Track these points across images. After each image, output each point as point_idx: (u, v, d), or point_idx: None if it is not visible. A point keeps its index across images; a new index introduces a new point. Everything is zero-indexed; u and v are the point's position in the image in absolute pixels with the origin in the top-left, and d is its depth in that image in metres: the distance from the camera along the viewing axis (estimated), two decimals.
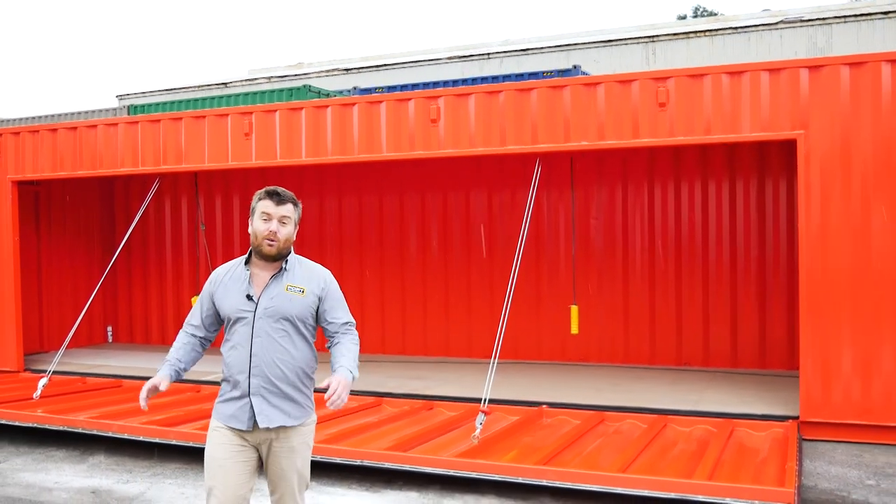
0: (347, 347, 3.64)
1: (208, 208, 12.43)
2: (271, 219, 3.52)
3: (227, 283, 3.65)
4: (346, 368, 3.51)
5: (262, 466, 3.65)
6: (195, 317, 3.78)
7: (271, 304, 3.54)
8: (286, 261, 3.61)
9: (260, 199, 3.61)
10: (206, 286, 3.75)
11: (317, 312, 3.66)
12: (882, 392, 6.96)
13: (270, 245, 3.52)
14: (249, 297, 3.55)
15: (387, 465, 6.05)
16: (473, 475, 5.78)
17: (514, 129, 8.07)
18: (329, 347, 3.68)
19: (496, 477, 5.72)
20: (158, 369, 3.67)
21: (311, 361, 3.66)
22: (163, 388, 3.59)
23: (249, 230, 3.60)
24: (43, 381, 8.52)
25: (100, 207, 12.76)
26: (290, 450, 3.59)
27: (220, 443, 3.56)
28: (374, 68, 25.55)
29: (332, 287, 3.70)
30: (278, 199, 3.57)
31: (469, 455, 6.03)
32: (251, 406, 3.50)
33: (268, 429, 3.53)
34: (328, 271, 3.76)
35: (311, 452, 3.74)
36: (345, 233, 11.85)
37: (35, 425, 7.48)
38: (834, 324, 7.06)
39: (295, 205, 3.63)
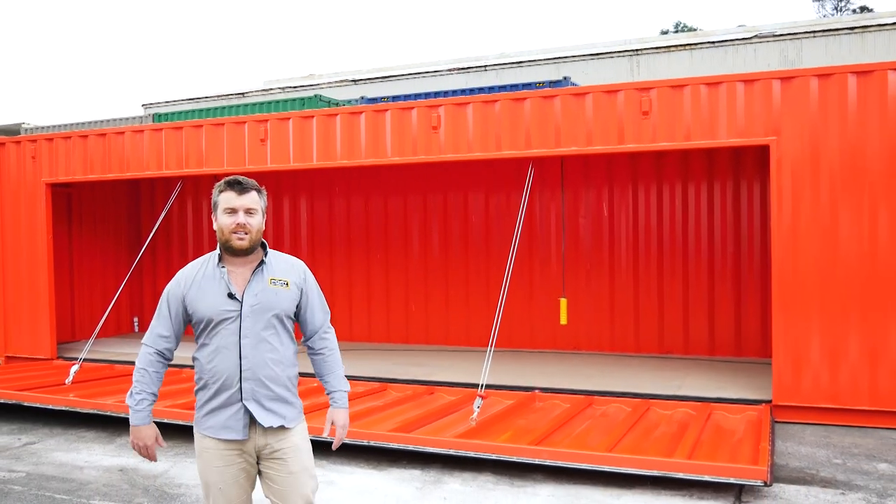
0: (334, 362, 3.32)
1: None
2: (236, 211, 3.04)
3: (201, 282, 3.09)
4: (342, 395, 3.29)
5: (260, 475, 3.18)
6: (163, 326, 3.15)
7: (257, 301, 3.06)
8: (265, 253, 3.14)
9: (221, 191, 3.10)
10: (173, 289, 3.16)
11: (297, 306, 3.23)
12: (848, 378, 6.96)
13: (241, 239, 3.04)
14: (232, 296, 3.04)
15: (392, 445, 6.05)
16: (472, 454, 5.78)
17: (509, 136, 8.06)
18: (311, 353, 3.35)
19: (493, 456, 5.72)
20: (134, 405, 3.11)
21: (295, 358, 3.24)
22: (160, 442, 3.18)
23: (214, 226, 3.11)
24: (74, 368, 8.52)
25: (127, 208, 12.75)
26: (295, 448, 3.13)
27: (213, 465, 3.08)
28: (381, 79, 25.52)
29: (310, 279, 3.29)
30: (240, 188, 3.07)
31: (467, 436, 6.03)
32: (245, 412, 3.04)
33: (265, 431, 3.09)
34: (303, 262, 3.32)
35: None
36: (353, 231, 11.84)
37: (67, 408, 7.48)
38: (803, 315, 7.06)
39: (259, 192, 3.13)
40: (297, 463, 3.13)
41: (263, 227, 3.14)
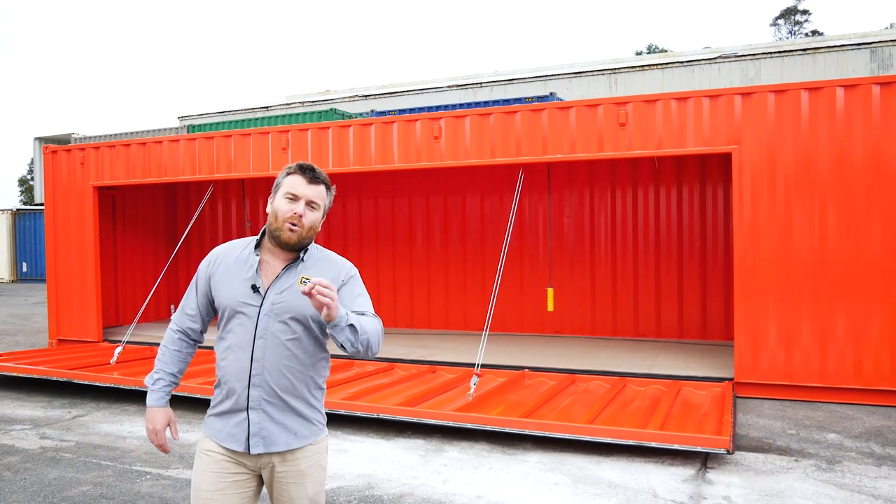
0: (362, 314, 2.37)
1: (253, 209, 12.39)
2: (298, 199, 2.35)
3: (231, 265, 2.43)
4: (349, 315, 2.23)
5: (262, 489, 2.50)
6: (190, 304, 2.54)
7: (280, 300, 2.34)
8: (305, 250, 2.42)
9: (289, 173, 2.41)
10: (203, 266, 2.51)
11: None
12: (801, 358, 6.94)
13: (292, 231, 2.34)
14: (255, 289, 2.35)
15: (398, 418, 6.03)
16: (469, 426, 5.76)
17: (502, 145, 8.03)
18: None
19: (487, 427, 5.70)
20: (150, 385, 2.52)
21: (324, 370, 2.48)
22: (172, 431, 2.57)
23: (268, 209, 2.42)
24: (118, 350, 8.50)
25: (164, 208, 12.72)
26: (300, 474, 2.39)
27: (209, 470, 2.39)
28: (389, 94, 25.42)
29: (354, 280, 2.47)
30: (311, 176, 2.39)
31: (465, 410, 6.02)
32: (249, 423, 2.35)
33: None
34: (352, 264, 2.52)
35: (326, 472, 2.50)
36: (364, 229, 11.82)
37: (112, 385, 7.47)
38: (762, 303, 7.04)
39: (328, 188, 2.46)
40: (300, 490, 2.40)
41: (319, 228, 2.43)
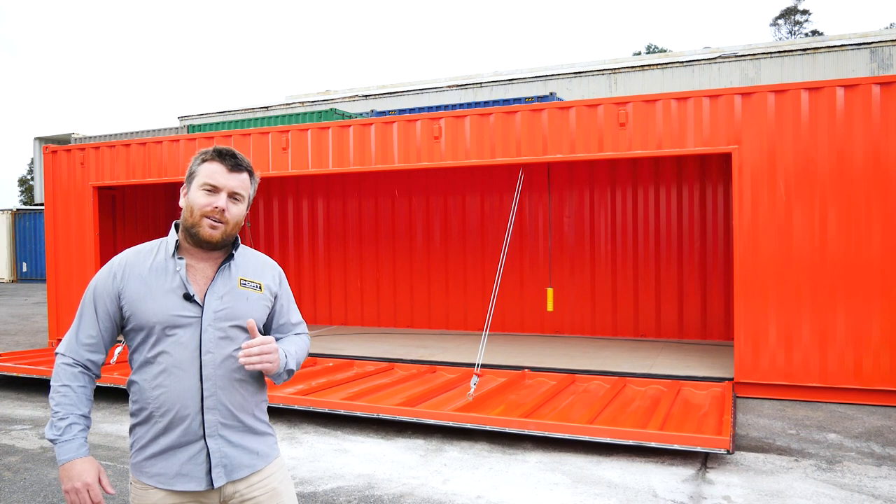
0: (294, 340, 2.21)
1: (252, 209, 12.39)
2: (218, 191, 2.01)
3: (147, 276, 2.03)
4: (281, 348, 2.08)
5: None
6: (87, 332, 2.06)
7: (223, 306, 2.02)
8: (234, 246, 2.10)
9: (205, 159, 2.05)
10: (103, 282, 2.06)
11: (268, 316, 2.19)
12: (801, 358, 6.94)
13: (213, 227, 2.00)
14: (189, 298, 2.00)
15: (398, 417, 6.03)
16: (468, 426, 5.76)
17: (502, 144, 8.03)
18: None
19: (487, 427, 5.70)
20: (58, 435, 1.97)
21: (263, 378, 2.16)
22: (104, 484, 1.99)
23: (181, 202, 2.07)
24: (118, 350, 8.47)
25: (164, 208, 12.72)
26: (273, 493, 2.11)
27: None
28: (389, 95, 25.43)
29: (285, 282, 2.25)
30: (234, 163, 2.03)
31: (465, 410, 6.01)
32: (208, 454, 1.99)
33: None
34: (275, 261, 2.26)
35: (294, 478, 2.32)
36: (364, 229, 11.82)
37: (111, 385, 7.46)
38: (762, 303, 7.04)
39: (252, 176, 2.11)
40: None
41: (243, 222, 2.10)
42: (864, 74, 18.23)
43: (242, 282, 2.06)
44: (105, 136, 22.51)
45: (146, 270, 2.04)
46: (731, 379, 7.14)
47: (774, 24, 47.95)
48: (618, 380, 7.25)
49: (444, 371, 8.00)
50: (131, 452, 2.06)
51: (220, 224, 2.01)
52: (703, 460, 5.20)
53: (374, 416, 6.09)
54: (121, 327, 2.08)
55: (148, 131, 21.99)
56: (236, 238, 2.11)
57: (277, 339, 2.18)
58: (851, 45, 18.62)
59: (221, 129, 15.90)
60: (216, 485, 2.00)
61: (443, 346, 9.56)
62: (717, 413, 5.96)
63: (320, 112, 17.54)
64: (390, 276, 11.62)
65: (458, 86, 24.12)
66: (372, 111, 19.46)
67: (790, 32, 46.54)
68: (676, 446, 5.13)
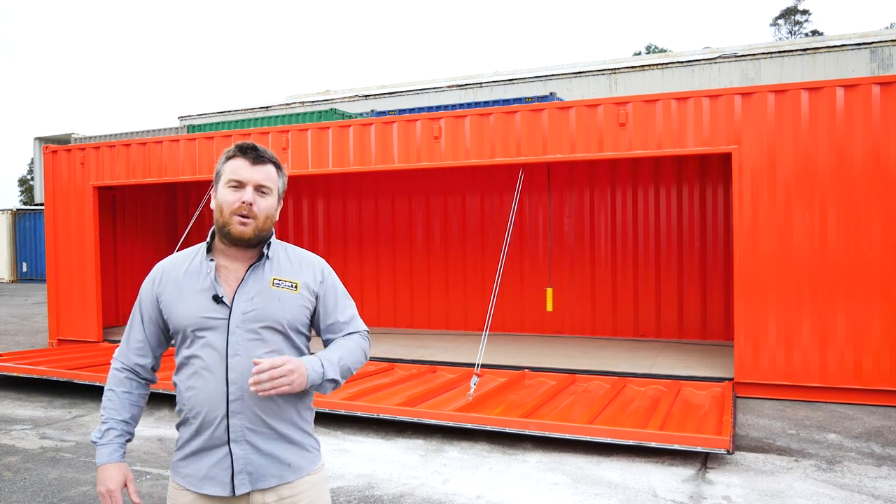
0: (341, 344, 2.07)
1: None
2: (244, 186, 1.95)
3: (180, 280, 2.01)
4: (318, 358, 1.96)
5: None
6: (136, 336, 2.09)
7: (252, 307, 1.95)
8: (268, 245, 2.02)
9: (228, 157, 2.00)
10: (146, 288, 2.08)
11: (312, 316, 2.08)
12: (801, 358, 6.94)
13: (244, 224, 1.94)
14: (218, 299, 1.94)
15: (398, 417, 6.03)
16: (469, 426, 5.76)
17: (502, 145, 8.03)
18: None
19: (487, 427, 5.70)
20: (98, 438, 2.03)
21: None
22: (130, 492, 2.01)
23: (212, 203, 2.02)
24: None
25: (164, 208, 12.73)
26: None
27: None
28: (388, 95, 25.43)
29: (331, 279, 2.12)
30: (255, 156, 1.98)
31: (465, 410, 6.01)
32: (232, 460, 1.93)
33: (261, 490, 1.96)
34: (324, 260, 2.16)
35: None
36: (364, 229, 11.82)
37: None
38: (762, 303, 7.04)
39: (279, 168, 2.05)
40: None
41: (276, 216, 2.03)
42: (864, 74, 18.23)
43: (276, 281, 1.98)
44: (105, 136, 22.50)
45: (181, 274, 2.02)
46: (731, 379, 7.14)
47: (774, 24, 47.99)
48: (618, 380, 7.25)
49: (444, 371, 8.00)
50: (175, 450, 2.06)
51: (249, 219, 1.95)
52: (703, 460, 5.20)
53: (375, 416, 6.09)
54: (166, 331, 2.09)
55: (148, 131, 21.99)
56: (272, 236, 2.05)
57: (326, 344, 2.10)
58: (851, 45, 18.62)
59: (221, 129, 15.90)
60: (238, 492, 1.93)
61: (443, 346, 9.55)
62: (717, 413, 5.96)
63: (320, 112, 17.55)
64: (390, 275, 11.62)
65: (458, 86, 24.12)
66: (372, 111, 19.46)
67: (790, 32, 46.56)
68: (676, 446, 5.13)
